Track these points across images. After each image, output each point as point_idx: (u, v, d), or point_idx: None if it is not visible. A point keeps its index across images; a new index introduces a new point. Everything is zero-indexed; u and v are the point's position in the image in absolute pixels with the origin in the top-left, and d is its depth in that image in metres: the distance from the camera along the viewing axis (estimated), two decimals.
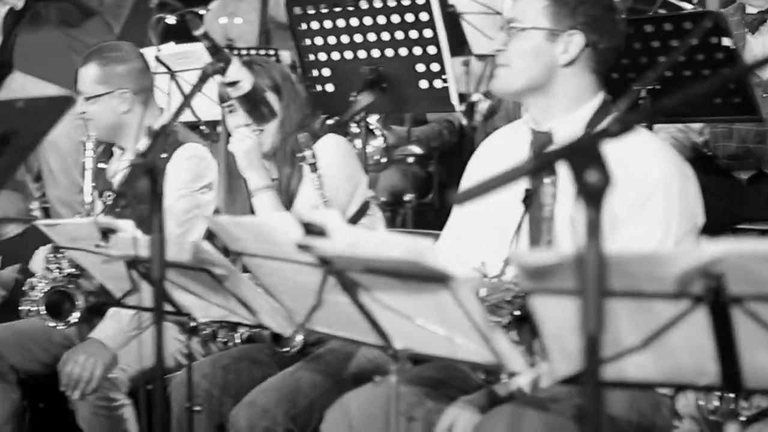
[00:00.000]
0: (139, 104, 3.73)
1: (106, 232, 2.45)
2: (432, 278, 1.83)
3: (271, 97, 2.99)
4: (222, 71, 2.34)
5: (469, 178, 2.90)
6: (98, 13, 5.11)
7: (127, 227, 2.46)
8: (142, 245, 2.39)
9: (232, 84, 2.49)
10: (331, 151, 3.14)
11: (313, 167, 2.88)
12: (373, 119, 4.41)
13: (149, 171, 1.93)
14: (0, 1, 5.04)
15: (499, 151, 2.80)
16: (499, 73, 2.69)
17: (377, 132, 4.37)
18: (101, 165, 3.72)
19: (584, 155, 1.37)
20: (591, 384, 1.42)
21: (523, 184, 2.58)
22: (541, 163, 1.40)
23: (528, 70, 2.63)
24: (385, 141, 4.38)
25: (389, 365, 2.73)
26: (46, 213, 5.19)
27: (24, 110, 2.01)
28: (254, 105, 2.55)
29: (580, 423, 2.23)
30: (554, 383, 1.84)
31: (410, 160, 4.50)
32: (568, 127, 2.57)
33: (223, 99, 2.97)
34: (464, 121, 5.63)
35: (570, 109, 2.63)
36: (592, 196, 1.37)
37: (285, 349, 2.97)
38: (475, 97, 5.84)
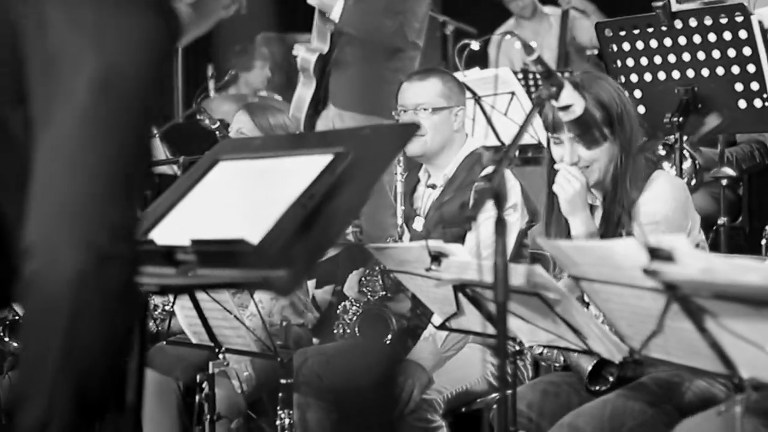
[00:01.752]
0: (462, 126, 3.82)
1: (437, 256, 2.50)
2: None
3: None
4: (555, 96, 2.35)
5: None
6: (403, 50, 5.26)
7: (458, 251, 2.50)
8: (472, 269, 2.42)
9: (564, 108, 2.49)
10: (664, 198, 2.99)
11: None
12: (684, 142, 4.31)
13: (495, 195, 1.95)
14: (310, 50, 5.29)
15: None
16: None
17: (687, 154, 4.25)
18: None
19: None
20: None
21: None
22: None
23: None
24: (695, 163, 4.25)
25: (722, 397, 2.65)
26: (359, 237, 5.37)
27: (371, 137, 2.09)
28: (586, 129, 2.54)
29: None
30: None
31: (723, 182, 4.35)
32: None
33: (552, 127, 2.89)
34: None
35: None
36: None
37: (596, 388, 2.93)
38: None
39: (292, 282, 1.80)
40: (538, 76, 5.04)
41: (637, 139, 2.95)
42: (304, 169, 2.04)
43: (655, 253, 1.87)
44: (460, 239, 3.66)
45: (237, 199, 2.14)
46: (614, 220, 2.97)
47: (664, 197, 2.95)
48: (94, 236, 1.82)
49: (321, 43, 5.27)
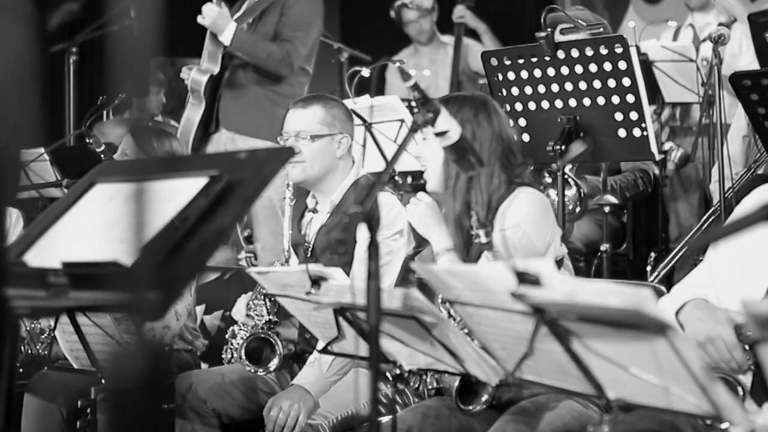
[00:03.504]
0: (348, 153, 3.84)
1: (317, 280, 2.51)
2: (649, 327, 1.81)
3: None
4: (432, 122, 2.39)
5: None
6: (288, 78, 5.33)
7: (337, 275, 2.52)
8: (351, 293, 2.44)
9: (441, 134, 2.53)
10: (528, 205, 3.13)
11: (489, 246, 2.89)
12: (567, 169, 4.40)
13: (368, 220, 1.98)
14: (200, 71, 5.30)
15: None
16: None
17: (572, 182, 4.34)
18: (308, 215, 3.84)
19: None
20: None
21: None
22: None
23: None
24: (580, 191, 4.35)
25: (595, 419, 2.71)
26: (253, 263, 5.35)
27: (247, 161, 2.10)
28: (461, 155, 2.58)
29: None
30: None
31: (606, 209, 4.45)
32: None
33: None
34: (657, 171, 5.56)
35: None
36: None
37: (469, 407, 2.97)
38: (667, 146, 5.77)
39: (163, 304, 1.80)
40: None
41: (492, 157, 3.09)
42: (178, 192, 2.04)
43: (523, 278, 1.92)
44: (348, 265, 3.69)
45: (111, 222, 2.12)
46: (467, 229, 3.09)
47: (525, 205, 3.08)
48: None
49: (212, 64, 5.28)
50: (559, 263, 3.23)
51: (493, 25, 7.60)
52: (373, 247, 2.01)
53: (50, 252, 2.12)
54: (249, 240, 5.54)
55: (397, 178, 4.86)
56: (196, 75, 5.29)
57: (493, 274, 1.99)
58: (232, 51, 5.24)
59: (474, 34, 7.52)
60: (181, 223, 1.93)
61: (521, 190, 3.15)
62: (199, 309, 4.84)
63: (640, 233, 5.32)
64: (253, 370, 3.70)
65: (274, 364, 3.71)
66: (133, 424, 1.76)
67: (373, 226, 2.01)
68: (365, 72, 5.71)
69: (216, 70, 5.28)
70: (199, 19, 5.18)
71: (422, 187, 5.43)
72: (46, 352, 4.13)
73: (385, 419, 2.85)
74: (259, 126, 5.25)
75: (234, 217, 1.97)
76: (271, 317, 3.79)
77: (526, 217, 3.10)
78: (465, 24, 7.39)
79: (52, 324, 4.00)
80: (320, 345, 2.99)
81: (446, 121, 2.47)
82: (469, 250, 3.15)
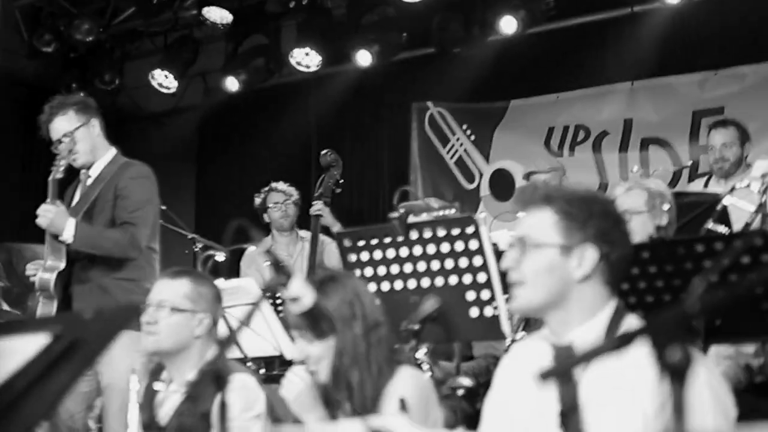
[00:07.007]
0: (208, 334, 3.77)
1: None
2: None
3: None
4: (284, 284, 2.37)
5: (497, 390, 2.91)
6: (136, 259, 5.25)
7: None
8: None
9: (294, 299, 2.51)
10: (408, 389, 3.08)
11: None
12: (421, 354, 4.39)
13: (216, 378, 1.92)
14: (46, 269, 5.17)
15: (524, 364, 2.80)
16: (516, 292, 2.70)
17: (425, 367, 4.33)
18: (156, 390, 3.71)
19: (666, 333, 1.36)
20: None
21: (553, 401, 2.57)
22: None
23: (545, 285, 2.64)
24: (433, 376, 4.33)
25: None
26: None
27: (91, 320, 2.03)
28: (315, 321, 2.56)
29: None
30: None
31: (460, 392, 4.43)
32: (586, 336, 2.57)
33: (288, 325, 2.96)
34: None
35: (586, 319, 2.63)
36: (676, 374, 1.35)
37: None
38: (518, 336, 5.85)
39: None
40: (279, 294, 5.10)
41: (368, 330, 3.03)
42: (18, 350, 1.95)
43: None
44: None
45: None
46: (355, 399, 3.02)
47: (411, 386, 3.04)
48: None
49: (57, 261, 5.15)
50: None
51: (348, 221, 7.71)
52: (223, 408, 1.95)
53: None
54: None
55: (249, 364, 4.79)
56: (43, 274, 5.14)
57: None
58: (77, 248, 5.14)
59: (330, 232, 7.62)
60: (17, 382, 1.85)
61: (404, 368, 3.14)
62: None
63: None
64: None
65: None
66: None
67: (222, 384, 1.94)
68: (219, 256, 5.70)
69: (62, 265, 5.15)
70: (37, 221, 5.07)
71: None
72: None
73: None
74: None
75: (74, 376, 1.89)
76: None
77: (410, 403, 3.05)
78: (321, 219, 7.49)
79: None
80: None
81: (299, 286, 2.46)
82: None
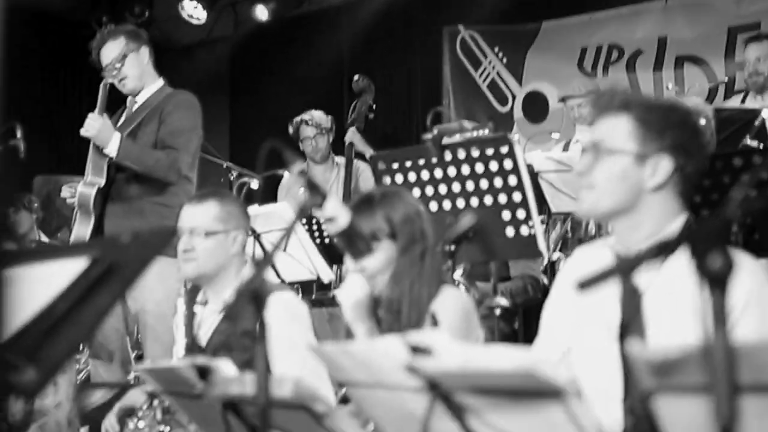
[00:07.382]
0: (242, 250, 3.78)
1: (204, 372, 2.43)
2: (544, 393, 1.77)
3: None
4: (319, 205, 2.36)
5: (556, 296, 2.90)
6: (175, 184, 5.27)
7: (225, 367, 2.44)
8: (237, 383, 2.36)
9: (330, 220, 2.51)
10: (451, 308, 3.11)
11: None
12: (458, 275, 4.40)
13: (255, 297, 1.92)
14: (86, 184, 5.21)
15: (584, 270, 2.78)
16: (584, 196, 2.67)
17: (463, 288, 4.34)
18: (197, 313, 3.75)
19: (707, 240, 1.34)
20: None
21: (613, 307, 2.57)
22: (663, 249, 1.37)
23: (615, 193, 2.60)
24: (472, 296, 4.34)
25: None
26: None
27: (128, 243, 2.04)
28: (351, 241, 2.56)
29: None
30: None
31: (497, 312, 4.44)
32: None
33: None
34: (545, 280, 5.61)
35: (656, 231, 2.59)
36: (717, 281, 1.34)
37: None
38: (555, 257, 5.85)
39: (38, 384, 1.72)
40: (315, 214, 5.12)
41: (425, 251, 3.07)
42: (57, 275, 1.97)
43: (415, 349, 1.87)
44: (246, 365, 3.59)
45: None
46: (402, 321, 3.05)
47: (453, 305, 3.05)
48: None
49: (97, 176, 5.19)
50: None
51: (382, 147, 7.67)
52: (261, 327, 1.95)
53: None
54: (140, 360, 5.40)
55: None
56: (83, 189, 5.18)
57: (385, 348, 1.94)
58: (120, 161, 5.15)
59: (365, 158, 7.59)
60: (60, 304, 1.86)
61: (447, 287, 3.16)
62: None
63: (532, 340, 5.32)
64: None
65: None
66: None
67: (260, 305, 1.95)
68: (254, 183, 5.71)
69: (102, 182, 5.18)
70: (83, 132, 5.09)
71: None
72: None
73: None
74: None
75: (113, 299, 1.91)
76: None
77: (453, 322, 3.07)
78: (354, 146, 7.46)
79: None
80: None
81: (335, 207, 2.46)
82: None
